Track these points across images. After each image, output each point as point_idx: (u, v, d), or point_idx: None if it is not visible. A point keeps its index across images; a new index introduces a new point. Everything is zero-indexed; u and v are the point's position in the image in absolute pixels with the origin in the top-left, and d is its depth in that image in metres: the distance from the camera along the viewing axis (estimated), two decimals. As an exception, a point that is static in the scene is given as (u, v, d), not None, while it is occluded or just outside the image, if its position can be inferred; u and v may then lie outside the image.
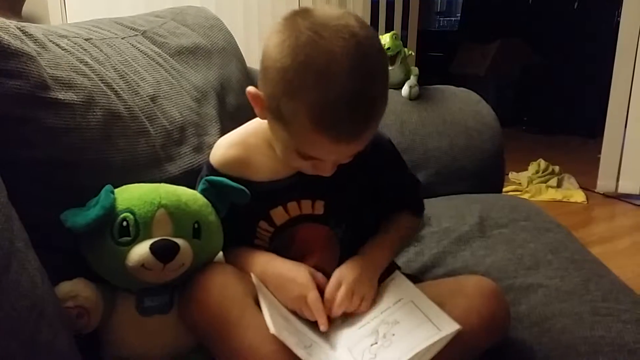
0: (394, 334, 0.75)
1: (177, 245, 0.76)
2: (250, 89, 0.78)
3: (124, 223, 0.76)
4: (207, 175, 0.88)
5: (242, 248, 0.90)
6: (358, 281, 0.83)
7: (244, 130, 0.93)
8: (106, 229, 0.76)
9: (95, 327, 0.77)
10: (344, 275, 0.84)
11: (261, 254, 0.88)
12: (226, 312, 0.76)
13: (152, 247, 0.74)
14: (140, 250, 0.75)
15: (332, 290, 0.82)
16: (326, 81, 0.68)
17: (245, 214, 0.87)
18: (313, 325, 0.82)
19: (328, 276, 0.86)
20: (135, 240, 0.76)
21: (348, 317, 0.83)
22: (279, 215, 0.88)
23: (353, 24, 0.71)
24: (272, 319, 0.74)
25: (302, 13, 0.73)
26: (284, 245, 0.89)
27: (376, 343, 0.75)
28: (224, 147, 0.91)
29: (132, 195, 0.79)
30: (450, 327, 0.72)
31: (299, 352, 0.72)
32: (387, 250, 0.91)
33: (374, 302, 0.83)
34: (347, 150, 0.76)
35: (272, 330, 0.72)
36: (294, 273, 0.83)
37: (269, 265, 0.85)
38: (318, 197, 0.87)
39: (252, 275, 0.82)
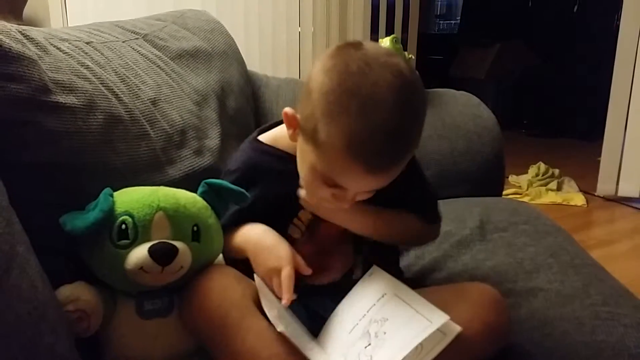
0: (385, 332, 0.75)
1: (175, 248, 0.76)
2: (287, 110, 0.80)
3: (123, 226, 0.76)
4: (252, 150, 0.90)
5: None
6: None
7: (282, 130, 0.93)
8: (105, 232, 0.76)
9: (96, 331, 0.77)
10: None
11: (250, 223, 0.88)
12: (226, 315, 0.76)
13: (151, 250, 0.74)
14: (139, 253, 0.75)
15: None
16: (369, 110, 0.69)
17: (284, 205, 0.87)
18: (310, 332, 0.82)
19: (342, 272, 0.88)
20: (134, 243, 0.76)
21: (336, 322, 0.82)
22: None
23: (401, 63, 0.73)
24: (277, 319, 0.74)
25: (355, 45, 0.75)
26: (308, 233, 0.90)
27: (370, 344, 0.75)
28: (271, 135, 0.92)
29: (131, 198, 0.79)
30: (440, 318, 0.72)
31: (306, 351, 0.73)
32: (384, 213, 0.88)
33: (357, 299, 0.83)
34: (373, 182, 0.77)
35: (279, 328, 0.72)
36: (275, 244, 0.83)
37: (253, 230, 0.86)
38: None
39: (255, 276, 0.82)
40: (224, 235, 0.88)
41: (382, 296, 0.81)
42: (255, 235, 0.85)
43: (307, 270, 0.82)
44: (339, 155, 0.71)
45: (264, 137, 0.92)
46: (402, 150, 0.74)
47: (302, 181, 0.82)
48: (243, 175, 0.90)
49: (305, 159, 0.79)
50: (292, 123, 0.80)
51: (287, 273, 0.79)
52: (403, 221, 0.91)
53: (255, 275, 0.83)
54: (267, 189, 0.88)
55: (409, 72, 0.73)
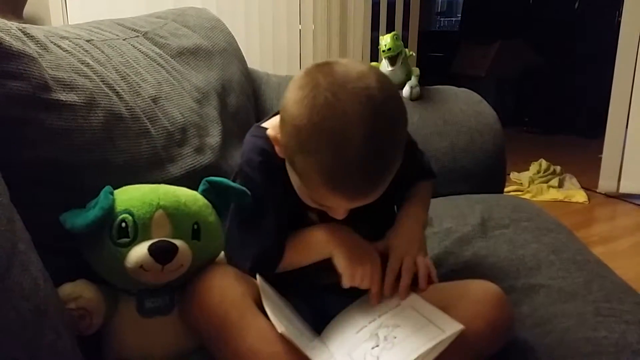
0: (395, 337, 0.75)
1: (175, 247, 0.76)
2: (270, 132, 0.80)
3: (123, 224, 0.76)
4: (259, 140, 0.87)
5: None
6: (411, 248, 0.84)
7: None
8: (105, 230, 0.76)
9: (98, 329, 0.77)
10: (399, 249, 0.84)
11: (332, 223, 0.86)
12: (226, 314, 0.75)
13: (151, 249, 0.74)
14: (139, 252, 0.74)
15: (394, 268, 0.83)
16: (339, 145, 0.68)
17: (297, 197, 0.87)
18: (313, 330, 0.82)
19: None
20: (134, 241, 0.76)
21: (344, 321, 0.82)
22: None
23: (373, 85, 0.70)
24: (278, 319, 0.74)
25: (324, 69, 0.72)
26: None
27: (377, 346, 0.75)
28: (270, 126, 0.89)
29: (131, 196, 0.79)
30: (453, 327, 0.72)
31: (307, 351, 0.73)
32: (423, 209, 0.94)
33: (369, 305, 0.83)
34: (358, 204, 0.76)
35: (279, 329, 0.72)
36: (367, 244, 0.83)
37: (341, 228, 0.84)
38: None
39: (258, 276, 0.82)
40: (289, 241, 0.86)
41: (397, 306, 0.81)
42: (344, 234, 0.84)
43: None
44: (317, 186, 0.72)
45: (267, 125, 0.90)
46: (380, 176, 0.73)
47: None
48: (259, 162, 0.87)
49: (292, 178, 0.79)
50: (277, 143, 0.80)
51: (375, 267, 0.80)
52: (428, 196, 0.97)
53: (257, 275, 0.82)
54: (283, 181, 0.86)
55: (380, 94, 0.70)
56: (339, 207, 0.78)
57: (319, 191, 0.73)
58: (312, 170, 0.71)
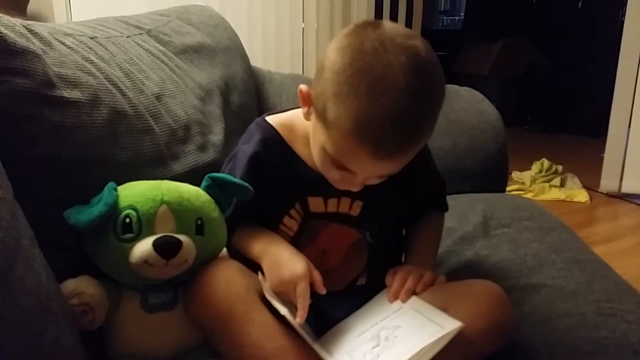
0: (396, 336, 0.76)
1: (179, 242, 0.76)
2: (302, 87, 0.79)
3: (127, 220, 0.76)
4: (260, 130, 0.89)
5: (252, 226, 0.89)
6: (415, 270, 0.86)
7: (289, 116, 0.92)
8: (109, 226, 0.76)
9: (101, 324, 0.77)
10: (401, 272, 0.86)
11: (269, 233, 0.87)
12: (231, 308, 0.76)
13: (155, 244, 0.74)
14: (143, 247, 0.75)
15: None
16: (378, 93, 0.67)
17: (283, 193, 0.87)
18: (313, 333, 0.82)
19: (345, 282, 0.88)
20: (139, 236, 0.76)
21: (345, 327, 0.82)
22: (316, 203, 0.88)
23: (420, 45, 0.71)
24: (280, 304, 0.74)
25: (373, 24, 0.73)
26: (307, 237, 0.89)
27: (378, 345, 0.75)
28: (273, 120, 0.91)
29: (135, 192, 0.79)
30: (452, 324, 0.72)
31: (311, 343, 0.73)
32: (432, 259, 0.95)
33: (371, 311, 0.84)
34: (381, 168, 0.75)
35: (282, 311, 0.73)
36: (293, 259, 0.81)
37: (272, 245, 0.84)
38: (358, 196, 0.87)
39: (259, 273, 0.83)
40: (239, 233, 0.88)
41: (399, 309, 0.81)
42: (273, 250, 0.84)
43: (322, 289, 0.80)
44: (346, 138, 0.70)
45: (271, 119, 0.91)
46: (412, 137, 0.72)
47: (315, 159, 0.81)
48: (251, 155, 0.87)
49: (316, 139, 0.78)
50: (307, 101, 0.79)
51: (301, 290, 0.77)
52: (438, 234, 0.98)
53: (259, 273, 0.83)
54: (273, 174, 0.87)
55: (426, 56, 0.71)
56: (361, 169, 0.76)
57: (346, 145, 0.71)
58: (344, 118, 0.69)
